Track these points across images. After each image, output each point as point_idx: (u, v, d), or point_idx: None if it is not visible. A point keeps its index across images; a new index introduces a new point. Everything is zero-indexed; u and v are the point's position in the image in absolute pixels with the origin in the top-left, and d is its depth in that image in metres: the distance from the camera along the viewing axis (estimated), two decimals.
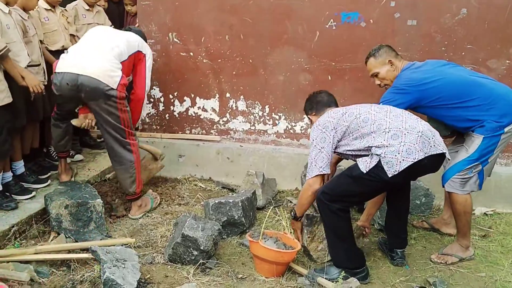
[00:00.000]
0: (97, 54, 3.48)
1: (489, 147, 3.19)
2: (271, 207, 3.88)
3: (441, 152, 2.88)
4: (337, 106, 3.34)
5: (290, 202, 4.17)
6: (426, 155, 2.81)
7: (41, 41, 4.03)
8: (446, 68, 3.30)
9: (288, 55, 4.42)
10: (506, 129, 3.17)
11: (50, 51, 4.15)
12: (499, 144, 3.21)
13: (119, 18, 5.43)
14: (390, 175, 2.78)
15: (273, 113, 4.59)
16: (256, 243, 3.06)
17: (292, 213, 3.25)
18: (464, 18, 4.00)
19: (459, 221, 3.36)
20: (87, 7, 4.62)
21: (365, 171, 2.84)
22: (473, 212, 3.99)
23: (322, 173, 3.00)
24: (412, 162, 2.76)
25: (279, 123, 4.60)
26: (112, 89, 3.41)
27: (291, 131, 4.59)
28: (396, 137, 2.83)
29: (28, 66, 3.72)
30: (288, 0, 4.30)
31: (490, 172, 3.43)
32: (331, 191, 2.95)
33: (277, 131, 4.62)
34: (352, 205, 3.33)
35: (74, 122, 3.69)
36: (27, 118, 3.69)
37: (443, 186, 3.35)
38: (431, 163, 2.90)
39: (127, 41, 3.67)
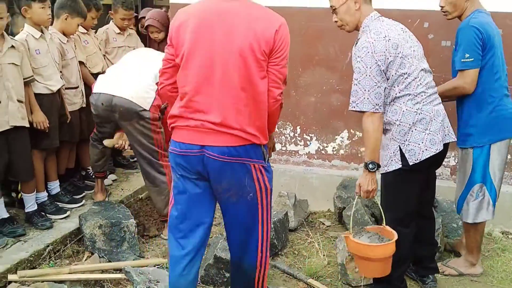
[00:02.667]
0: (133, 76, 3.54)
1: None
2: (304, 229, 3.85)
3: (453, 140, 2.87)
4: None
5: (323, 224, 4.12)
6: (444, 143, 2.78)
7: (83, 64, 4.15)
8: None
9: (319, 76, 4.41)
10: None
11: (91, 74, 4.26)
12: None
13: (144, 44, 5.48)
14: (411, 163, 2.71)
15: (304, 134, 4.58)
16: (347, 238, 2.75)
17: (369, 166, 2.68)
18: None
19: (467, 236, 3.29)
20: (118, 31, 4.71)
21: (392, 169, 2.75)
22: (490, 232, 3.91)
23: (377, 111, 2.62)
24: (434, 153, 2.72)
25: (310, 144, 4.58)
26: (145, 110, 3.45)
27: (323, 152, 4.56)
28: (424, 122, 2.72)
29: (66, 88, 3.84)
30: (319, 22, 4.31)
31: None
32: (392, 215, 2.77)
33: (309, 151, 4.60)
34: (410, 217, 2.93)
35: (106, 142, 3.74)
36: (62, 140, 3.76)
37: (458, 213, 3.30)
38: (444, 151, 2.85)
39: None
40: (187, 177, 2.39)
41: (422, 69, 2.75)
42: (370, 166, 2.67)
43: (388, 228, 2.78)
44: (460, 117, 3.23)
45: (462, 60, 2.99)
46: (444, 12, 3.20)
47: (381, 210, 2.79)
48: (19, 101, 3.33)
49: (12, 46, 3.30)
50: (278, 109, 2.42)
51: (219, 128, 2.27)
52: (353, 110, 2.69)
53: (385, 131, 2.80)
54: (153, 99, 3.49)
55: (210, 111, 2.27)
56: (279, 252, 3.58)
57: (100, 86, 3.56)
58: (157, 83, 3.52)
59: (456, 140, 2.94)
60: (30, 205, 3.55)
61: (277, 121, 2.58)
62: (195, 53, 2.28)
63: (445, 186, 4.16)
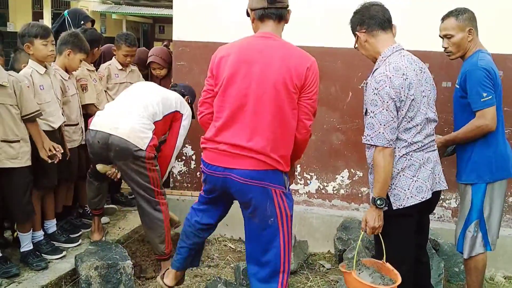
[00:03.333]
0: (130, 114, 3.51)
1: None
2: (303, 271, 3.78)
3: (444, 188, 2.83)
4: (391, 28, 2.79)
5: (323, 266, 4.05)
6: (432, 191, 2.72)
7: (94, 105, 4.19)
8: None
9: (320, 115, 4.39)
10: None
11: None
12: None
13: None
14: (394, 208, 2.65)
15: (304, 173, 4.55)
16: (349, 274, 2.62)
17: (377, 201, 2.62)
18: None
19: (468, 276, 3.25)
20: (120, 67, 4.72)
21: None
22: (493, 277, 3.86)
23: (390, 147, 2.58)
24: (420, 202, 2.66)
25: (310, 182, 4.54)
26: (141, 150, 3.42)
27: (323, 191, 4.52)
28: (412, 168, 2.66)
29: (66, 125, 3.81)
30: (320, 61, 4.30)
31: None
32: (393, 258, 2.67)
33: (309, 190, 4.56)
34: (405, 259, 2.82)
35: (99, 167, 3.66)
36: (60, 178, 3.72)
37: (459, 251, 3.27)
38: (434, 199, 2.79)
39: (162, 101, 3.67)
40: (211, 193, 2.84)
41: (427, 118, 2.69)
42: (378, 202, 2.61)
43: (388, 265, 2.68)
44: (462, 153, 3.23)
45: (482, 100, 3.01)
46: (447, 52, 3.24)
47: (383, 245, 2.68)
48: (4, 141, 3.20)
49: (1, 85, 3.18)
50: (307, 139, 2.73)
51: (245, 152, 2.55)
52: (367, 143, 2.66)
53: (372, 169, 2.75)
54: (150, 139, 3.47)
55: (240, 136, 2.57)
56: None
57: (97, 124, 3.55)
58: (154, 122, 3.55)
59: (446, 187, 2.87)
60: (26, 244, 3.47)
61: (304, 151, 2.85)
62: (233, 83, 2.59)
63: (447, 229, 4.12)
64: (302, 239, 4.27)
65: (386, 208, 2.65)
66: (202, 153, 2.80)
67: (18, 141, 3.28)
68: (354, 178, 4.42)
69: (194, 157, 4.76)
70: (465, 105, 3.13)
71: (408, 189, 2.65)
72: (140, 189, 3.53)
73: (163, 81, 5.08)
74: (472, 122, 3.10)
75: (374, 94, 2.59)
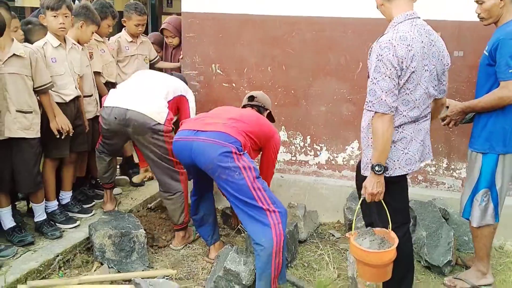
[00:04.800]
0: (145, 92, 3.59)
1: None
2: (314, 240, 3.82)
3: (430, 159, 2.94)
4: None
5: (333, 235, 4.09)
6: (421, 163, 2.81)
7: (99, 73, 4.18)
8: None
9: (330, 86, 4.39)
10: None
11: (107, 82, 4.29)
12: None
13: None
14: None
15: (314, 144, 4.56)
16: (348, 238, 2.70)
17: (375, 168, 2.58)
18: None
19: (476, 242, 3.28)
20: (130, 39, 4.69)
21: (367, 174, 2.70)
22: (502, 246, 3.90)
23: (390, 113, 2.54)
24: (406, 173, 2.71)
25: (320, 154, 4.55)
26: (159, 124, 3.47)
27: (333, 162, 4.53)
28: (404, 141, 2.67)
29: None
30: (330, 31, 4.30)
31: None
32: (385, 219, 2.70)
33: (319, 162, 4.57)
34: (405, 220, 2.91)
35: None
36: (74, 149, 3.76)
37: (465, 217, 3.31)
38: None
39: (172, 83, 3.82)
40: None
41: (426, 93, 2.66)
42: (377, 168, 2.58)
43: (392, 234, 2.68)
44: (478, 121, 3.22)
45: (510, 71, 2.94)
46: (480, 19, 3.18)
47: (388, 214, 2.67)
48: (20, 111, 3.25)
49: (15, 55, 3.22)
50: None
51: None
52: (369, 110, 2.60)
53: (366, 134, 2.76)
54: (167, 113, 3.54)
55: None
56: (289, 264, 3.55)
57: (112, 100, 3.58)
58: (169, 101, 3.61)
59: (432, 158, 2.96)
60: (39, 214, 3.54)
61: None
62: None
63: (457, 199, 4.09)
64: (312, 209, 4.30)
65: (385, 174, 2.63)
66: None
67: (31, 112, 3.33)
68: None
69: None
70: (490, 74, 3.08)
71: (398, 161, 2.67)
72: (159, 160, 3.57)
73: (175, 51, 5.08)
74: (494, 92, 3.06)
75: (378, 60, 2.54)
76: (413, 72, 2.56)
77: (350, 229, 3.93)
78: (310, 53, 4.37)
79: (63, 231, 3.58)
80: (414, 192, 4.24)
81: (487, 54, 3.12)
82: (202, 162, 3.10)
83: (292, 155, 4.61)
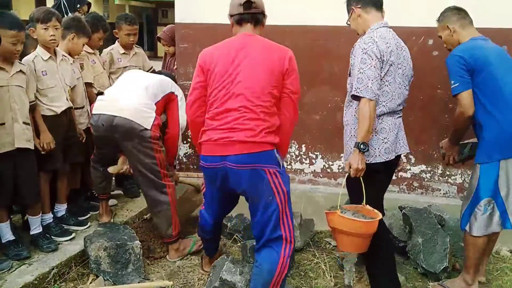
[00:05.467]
0: (131, 96, 3.54)
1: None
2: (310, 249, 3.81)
3: (407, 151, 3.21)
4: (382, 9, 3.18)
5: (329, 243, 4.08)
6: (396, 154, 3.10)
7: (91, 84, 4.17)
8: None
9: (324, 94, 4.41)
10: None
11: (100, 93, 4.27)
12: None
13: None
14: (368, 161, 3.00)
15: (309, 152, 4.56)
16: (333, 213, 2.90)
17: (360, 146, 2.86)
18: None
19: (466, 252, 3.29)
20: (123, 51, 4.70)
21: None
22: (499, 251, 3.90)
23: (373, 99, 2.87)
24: (384, 160, 3.02)
25: (316, 162, 4.56)
26: (146, 129, 3.44)
27: (328, 170, 4.54)
28: (384, 132, 3.03)
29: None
30: (324, 40, 4.32)
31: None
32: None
33: (314, 170, 4.58)
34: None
35: (110, 169, 3.79)
36: (66, 161, 3.75)
37: (462, 229, 3.30)
38: (395, 162, 3.20)
39: (159, 82, 3.72)
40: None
41: (400, 88, 3.06)
42: (362, 146, 2.87)
43: (368, 207, 2.97)
44: (478, 135, 3.26)
45: (452, 87, 3.19)
46: (448, 50, 3.40)
47: (363, 189, 2.92)
48: (24, 123, 3.33)
49: (20, 71, 3.33)
50: (295, 118, 3.05)
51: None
52: (355, 95, 2.93)
53: (351, 126, 3.08)
54: (154, 118, 3.50)
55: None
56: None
57: (99, 107, 3.57)
58: (156, 103, 3.57)
59: (408, 152, 3.27)
60: (35, 227, 3.54)
61: (291, 129, 3.09)
62: (223, 74, 2.87)
63: (452, 204, 4.14)
64: (308, 217, 4.29)
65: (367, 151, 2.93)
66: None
67: (29, 124, 3.38)
68: None
69: None
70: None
71: (378, 149, 3.02)
72: (146, 171, 3.54)
73: (171, 60, 5.11)
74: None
75: (363, 53, 2.93)
76: (391, 65, 2.98)
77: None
78: (304, 62, 4.36)
79: (59, 244, 3.57)
80: (409, 199, 4.27)
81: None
82: (249, 191, 2.86)
83: (288, 163, 4.61)
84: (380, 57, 2.92)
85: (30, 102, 3.43)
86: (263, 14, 3.01)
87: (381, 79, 2.95)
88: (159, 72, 4.16)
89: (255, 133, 2.74)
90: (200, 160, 2.95)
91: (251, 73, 2.77)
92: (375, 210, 2.95)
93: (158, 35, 5.09)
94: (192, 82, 2.98)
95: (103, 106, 3.55)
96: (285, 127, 2.95)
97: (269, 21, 4.40)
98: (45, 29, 3.56)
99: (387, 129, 3.03)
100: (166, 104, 3.76)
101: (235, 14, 2.97)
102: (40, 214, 3.57)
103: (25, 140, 3.33)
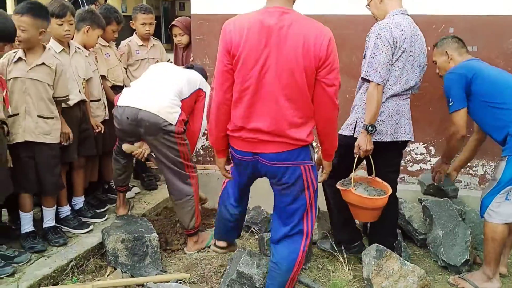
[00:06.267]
0: (158, 91, 3.53)
1: None
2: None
3: (407, 139, 3.31)
4: None
5: None
6: (393, 139, 3.23)
7: (105, 77, 4.17)
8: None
9: (342, 85, 4.32)
10: None
11: (114, 86, 4.28)
12: None
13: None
14: (355, 136, 3.23)
15: None
16: (348, 191, 3.16)
17: (368, 127, 3.11)
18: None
19: (485, 245, 3.23)
20: (141, 43, 4.69)
21: (344, 133, 3.31)
22: None
23: (381, 84, 3.09)
24: (375, 141, 3.17)
25: None
26: (171, 124, 3.43)
27: None
28: (382, 115, 3.19)
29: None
30: (341, 29, 4.25)
31: None
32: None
33: None
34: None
35: (125, 147, 3.67)
36: (80, 154, 3.75)
37: (482, 216, 3.24)
38: (402, 145, 3.39)
39: (187, 79, 3.69)
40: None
41: (409, 74, 3.20)
42: (369, 128, 3.11)
43: (378, 179, 3.27)
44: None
45: (450, 104, 3.33)
46: (440, 77, 3.53)
47: (371, 162, 3.25)
48: (41, 116, 3.32)
49: (44, 64, 3.30)
50: (335, 114, 2.73)
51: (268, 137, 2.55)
52: (364, 78, 3.15)
53: (356, 107, 3.34)
54: (179, 114, 3.49)
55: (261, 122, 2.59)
56: (303, 266, 3.50)
57: (125, 100, 3.56)
58: (182, 100, 3.54)
59: (411, 139, 3.35)
60: (49, 219, 3.53)
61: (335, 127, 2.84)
62: (248, 65, 2.55)
63: (474, 196, 4.06)
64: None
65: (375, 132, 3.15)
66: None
67: (52, 118, 3.39)
68: None
69: None
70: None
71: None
72: (170, 163, 3.54)
73: (186, 52, 5.03)
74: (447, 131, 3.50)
75: (377, 38, 3.09)
76: (403, 52, 3.12)
77: (364, 229, 3.91)
78: None
79: (77, 236, 3.59)
80: None
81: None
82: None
83: None
84: (393, 43, 3.06)
85: (59, 97, 3.42)
86: None
87: (392, 65, 3.11)
88: (191, 66, 4.06)
89: (288, 130, 2.51)
90: (230, 149, 2.75)
91: (284, 64, 2.44)
92: (384, 182, 3.23)
93: (172, 24, 4.98)
94: (218, 64, 2.57)
95: (129, 99, 3.54)
96: (322, 123, 2.63)
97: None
98: (59, 24, 3.55)
99: (386, 114, 3.19)
100: (194, 101, 3.75)
101: None
102: (55, 206, 3.57)
103: (38, 134, 3.31)
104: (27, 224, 3.42)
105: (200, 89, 3.76)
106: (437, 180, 3.74)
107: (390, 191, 3.18)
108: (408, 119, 3.29)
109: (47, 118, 3.36)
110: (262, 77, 2.46)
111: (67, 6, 3.62)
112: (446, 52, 3.44)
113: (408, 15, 3.24)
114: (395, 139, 3.24)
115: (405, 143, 3.41)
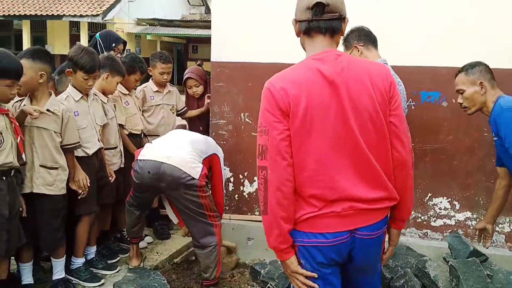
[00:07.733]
0: (180, 147, 3.53)
1: None
2: None
3: None
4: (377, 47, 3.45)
5: None
6: None
7: (122, 126, 4.10)
8: None
9: None
10: None
11: (132, 134, 4.22)
12: None
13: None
14: None
15: None
16: None
17: None
18: None
19: None
20: (156, 89, 4.65)
21: None
22: None
23: None
24: None
25: None
26: (194, 178, 3.39)
27: None
28: None
29: (105, 149, 3.77)
30: None
31: None
32: None
33: None
34: None
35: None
36: (98, 202, 3.66)
37: None
38: None
39: (205, 140, 3.79)
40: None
41: None
42: None
43: None
44: None
45: None
46: (463, 108, 3.13)
47: None
48: (43, 166, 3.20)
49: (49, 110, 3.19)
50: (410, 156, 2.26)
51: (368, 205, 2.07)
52: None
53: None
54: (201, 168, 3.46)
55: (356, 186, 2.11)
56: None
57: (147, 154, 3.52)
58: (202, 159, 3.54)
59: None
60: (58, 271, 3.40)
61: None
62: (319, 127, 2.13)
63: (500, 255, 3.90)
64: None
65: None
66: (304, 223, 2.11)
67: (57, 168, 3.26)
68: None
69: (232, 179, 4.65)
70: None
71: None
72: (193, 213, 3.50)
73: (200, 101, 5.00)
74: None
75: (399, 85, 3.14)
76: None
77: None
78: None
79: None
80: None
81: (496, 138, 3.00)
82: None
83: None
84: None
85: (69, 145, 3.32)
86: (341, 19, 2.10)
87: None
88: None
89: (381, 193, 2.09)
90: (302, 239, 2.14)
91: (356, 114, 2.02)
92: None
93: (187, 76, 4.96)
94: (271, 132, 2.04)
95: (151, 153, 3.51)
96: (402, 176, 2.16)
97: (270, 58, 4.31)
98: (85, 79, 3.48)
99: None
100: (209, 165, 3.75)
101: (303, 20, 2.12)
102: (64, 257, 3.43)
103: (41, 185, 3.19)
104: (25, 275, 3.30)
105: (215, 154, 3.80)
106: (487, 246, 3.36)
107: None
108: None
109: (50, 168, 3.23)
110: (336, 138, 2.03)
111: (98, 63, 3.54)
112: (481, 82, 2.99)
113: (387, 64, 3.29)
114: None
115: None
